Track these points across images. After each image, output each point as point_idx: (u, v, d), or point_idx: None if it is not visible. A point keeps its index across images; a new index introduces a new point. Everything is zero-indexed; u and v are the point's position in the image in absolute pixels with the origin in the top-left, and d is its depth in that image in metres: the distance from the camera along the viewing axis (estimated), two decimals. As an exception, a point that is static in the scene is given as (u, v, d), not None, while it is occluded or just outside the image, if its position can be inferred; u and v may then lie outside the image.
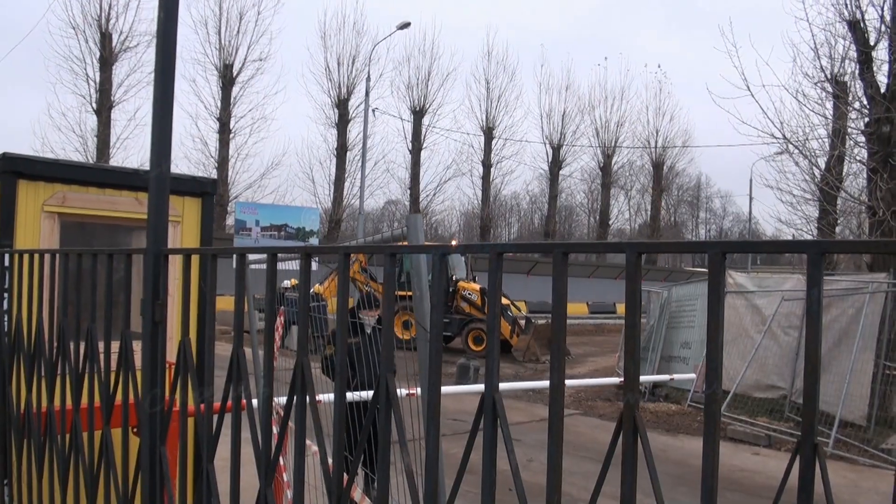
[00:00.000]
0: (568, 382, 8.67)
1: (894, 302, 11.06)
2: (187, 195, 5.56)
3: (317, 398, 2.47)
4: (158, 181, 3.10)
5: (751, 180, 48.93)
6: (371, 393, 2.26)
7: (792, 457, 1.42)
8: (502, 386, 1.99)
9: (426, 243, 3.33)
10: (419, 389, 2.85)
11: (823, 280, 1.54)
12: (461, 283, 23.82)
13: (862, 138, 14.29)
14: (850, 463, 9.58)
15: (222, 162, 40.44)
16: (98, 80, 37.96)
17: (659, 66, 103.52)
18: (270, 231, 32.64)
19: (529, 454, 8.22)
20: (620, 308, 29.15)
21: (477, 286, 23.81)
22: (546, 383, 1.91)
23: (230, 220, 38.32)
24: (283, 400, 2.61)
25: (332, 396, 2.49)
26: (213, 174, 38.21)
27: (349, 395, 3.53)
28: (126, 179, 5.30)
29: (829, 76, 14.71)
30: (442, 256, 1.98)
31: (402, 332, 18.35)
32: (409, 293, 12.72)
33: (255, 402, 2.71)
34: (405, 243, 3.23)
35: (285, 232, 33.08)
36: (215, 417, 2.81)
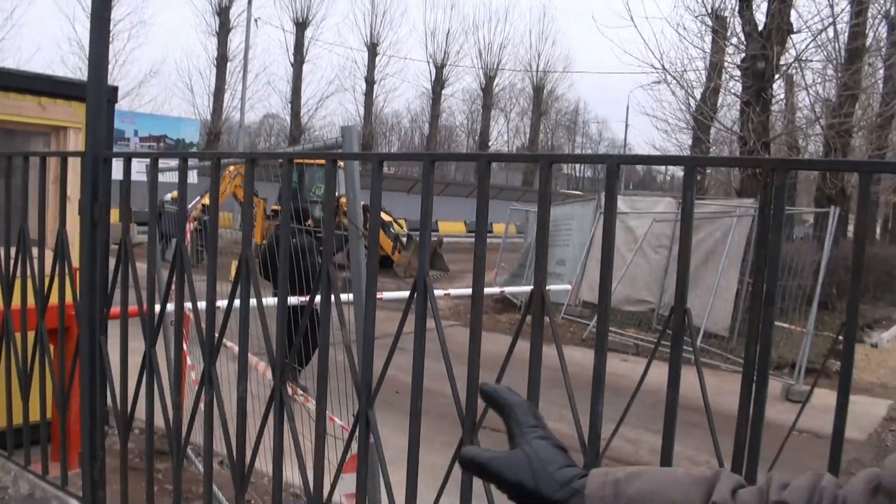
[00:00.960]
0: (453, 292, 9.08)
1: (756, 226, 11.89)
2: (89, 101, 5.50)
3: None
4: (97, 86, 3.19)
5: (627, 108, 50.41)
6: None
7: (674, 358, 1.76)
8: (392, 295, 2.30)
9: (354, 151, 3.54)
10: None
11: (695, 196, 1.90)
12: (343, 199, 23.79)
13: (737, 72, 15.04)
14: (713, 369, 10.39)
15: (99, 67, 38.65)
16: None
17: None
18: (149, 142, 31.68)
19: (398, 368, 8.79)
20: (497, 227, 29.74)
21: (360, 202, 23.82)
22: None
23: (107, 129, 36.82)
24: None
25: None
26: (90, 79, 36.60)
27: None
28: (30, 84, 5.23)
29: (709, 10, 15.33)
30: (379, 164, 2.24)
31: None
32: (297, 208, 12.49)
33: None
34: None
35: (165, 143, 32.20)
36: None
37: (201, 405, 2.85)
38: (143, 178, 3.06)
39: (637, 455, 7.16)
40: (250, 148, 41.21)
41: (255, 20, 36.01)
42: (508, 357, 2.26)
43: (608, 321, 2.12)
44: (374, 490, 2.96)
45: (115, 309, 3.28)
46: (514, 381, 1.34)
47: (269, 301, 2.78)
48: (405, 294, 2.38)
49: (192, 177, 15.66)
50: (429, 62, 51.64)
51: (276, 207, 21.09)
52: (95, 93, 3.19)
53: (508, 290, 13.78)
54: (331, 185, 2.53)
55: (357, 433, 2.44)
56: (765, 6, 14.45)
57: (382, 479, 2.40)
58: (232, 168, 15.55)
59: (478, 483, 1.43)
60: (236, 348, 2.83)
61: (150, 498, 3.13)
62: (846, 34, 15.22)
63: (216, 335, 2.83)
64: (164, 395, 3.00)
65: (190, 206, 8.12)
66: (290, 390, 2.96)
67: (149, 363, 3.01)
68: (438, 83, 51.92)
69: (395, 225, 24.10)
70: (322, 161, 2.61)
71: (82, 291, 3.22)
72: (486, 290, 12.51)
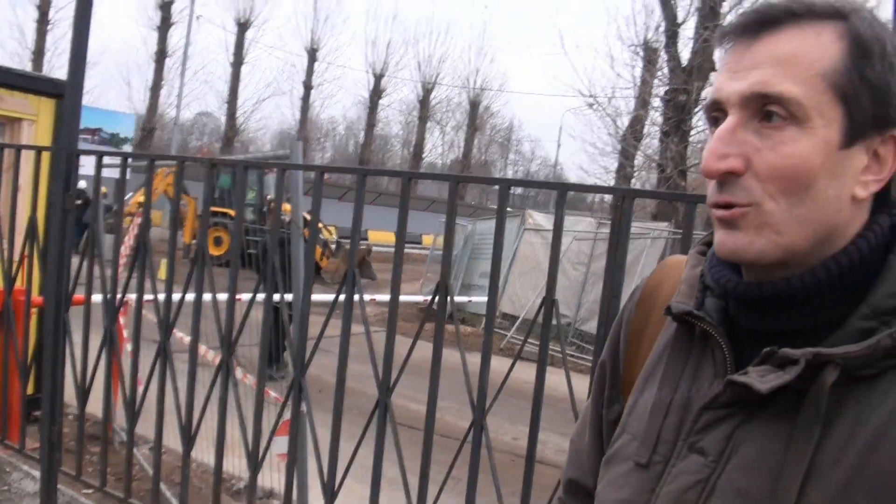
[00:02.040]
0: (378, 298, 9.56)
1: (672, 248, 12.60)
2: (44, 95, 5.70)
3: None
4: (75, 87, 3.56)
5: (560, 129, 51.47)
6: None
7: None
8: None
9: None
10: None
11: (630, 217, 2.44)
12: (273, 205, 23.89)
13: (660, 104, 15.89)
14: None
15: (38, 54, 38.39)
16: None
17: (486, 7, 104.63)
18: (84, 135, 31.33)
19: (323, 361, 9.29)
20: (426, 239, 30.19)
21: (289, 206, 23.97)
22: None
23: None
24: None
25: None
26: (28, 67, 36.17)
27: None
28: (-9, 75, 5.47)
29: (641, 41, 16.18)
30: (363, 177, 2.71)
31: (213, 248, 18.57)
32: (226, 210, 13.18)
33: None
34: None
35: (99, 137, 31.92)
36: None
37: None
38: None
39: (542, 453, 7.69)
40: (182, 146, 40.95)
41: (198, 17, 36.02)
42: (407, 359, 2.75)
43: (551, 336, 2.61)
44: (302, 448, 3.42)
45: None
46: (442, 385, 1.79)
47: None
48: (331, 297, 2.88)
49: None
50: (368, 71, 51.92)
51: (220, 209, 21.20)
52: (73, 93, 3.56)
53: (413, 299, 14.28)
54: (280, 193, 3.00)
55: (291, 399, 2.91)
56: (691, 45, 15.28)
57: (311, 438, 2.87)
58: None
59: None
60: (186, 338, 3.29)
61: (104, 455, 3.54)
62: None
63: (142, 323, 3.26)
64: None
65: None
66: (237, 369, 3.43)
67: (109, 339, 3.43)
68: (376, 93, 52.16)
69: (324, 231, 24.38)
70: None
71: (50, 272, 3.60)
72: (411, 299, 12.92)
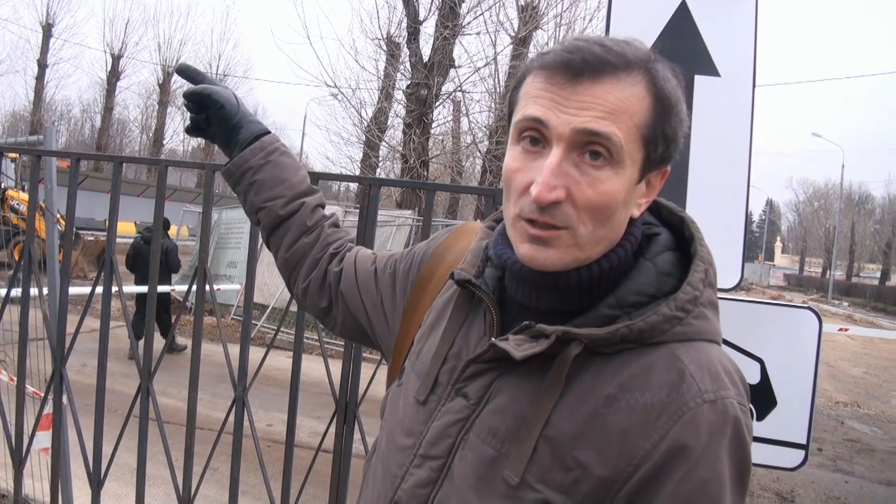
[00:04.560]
0: (126, 290, 9.31)
1: (417, 234, 13.13)
2: None
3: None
4: None
5: (304, 118, 51.36)
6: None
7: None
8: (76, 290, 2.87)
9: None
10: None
11: (377, 205, 2.67)
12: (10, 193, 22.30)
13: (403, 97, 16.38)
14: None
15: None
16: None
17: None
18: None
19: (83, 360, 8.97)
20: (172, 229, 29.14)
21: (26, 196, 22.54)
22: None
23: None
24: None
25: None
26: None
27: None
28: None
29: (384, 35, 16.59)
30: (120, 164, 2.75)
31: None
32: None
33: None
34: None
35: None
36: None
37: None
38: None
39: (298, 437, 7.85)
40: None
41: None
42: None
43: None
44: (66, 444, 3.40)
45: None
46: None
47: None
48: (87, 289, 2.91)
49: None
50: (105, 51, 49.21)
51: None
52: None
53: (179, 288, 13.93)
54: (34, 182, 2.98)
55: (52, 390, 2.92)
56: (432, 41, 15.88)
57: (75, 427, 2.90)
58: None
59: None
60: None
61: None
62: (506, 72, 16.96)
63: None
64: None
65: None
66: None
67: None
68: (114, 74, 49.52)
69: (60, 223, 22.99)
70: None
71: None
72: (164, 289, 12.54)
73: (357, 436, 2.78)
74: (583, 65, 1.07)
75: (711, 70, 2.53)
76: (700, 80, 2.49)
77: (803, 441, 2.56)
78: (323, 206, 1.74)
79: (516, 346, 1.10)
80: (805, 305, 2.64)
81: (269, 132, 1.73)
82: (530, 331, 1.12)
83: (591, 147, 1.07)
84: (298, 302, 1.78)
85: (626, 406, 1.07)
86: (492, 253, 1.25)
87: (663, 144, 1.12)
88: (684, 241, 1.22)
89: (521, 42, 16.19)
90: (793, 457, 2.58)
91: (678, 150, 1.15)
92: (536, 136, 1.10)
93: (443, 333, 1.29)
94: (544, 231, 1.09)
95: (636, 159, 1.10)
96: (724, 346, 1.19)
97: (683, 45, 2.49)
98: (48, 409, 2.98)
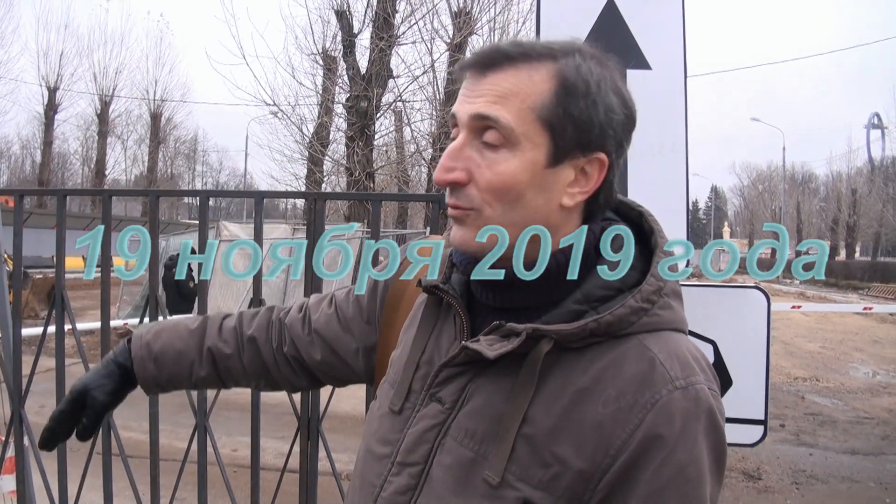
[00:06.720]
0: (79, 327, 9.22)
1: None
2: None
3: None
4: None
5: (247, 138, 50.93)
6: None
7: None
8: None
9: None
10: None
11: (324, 219, 2.67)
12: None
13: (343, 110, 16.36)
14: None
15: None
16: None
17: (161, 15, 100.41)
18: None
19: (41, 401, 8.81)
20: (117, 260, 28.78)
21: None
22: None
23: None
24: None
25: None
26: None
27: None
28: None
29: (319, 51, 16.54)
30: (64, 198, 2.73)
31: None
32: None
33: None
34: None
35: None
36: None
37: None
38: None
39: (263, 459, 7.77)
40: None
41: None
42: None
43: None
44: (30, 487, 3.35)
45: None
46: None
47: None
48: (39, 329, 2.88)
49: None
50: (41, 84, 48.25)
51: None
52: None
53: (131, 322, 13.77)
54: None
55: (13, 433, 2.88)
56: (368, 54, 15.87)
57: (38, 469, 2.86)
58: None
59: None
60: None
61: None
62: (444, 78, 17.03)
63: None
64: None
65: None
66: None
67: None
68: (51, 107, 48.56)
69: (8, 263, 22.57)
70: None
71: None
72: (114, 324, 12.41)
73: (322, 453, 2.78)
74: (488, 60, 1.13)
75: (643, 63, 2.58)
76: (633, 74, 2.53)
77: (761, 417, 2.61)
78: (225, 319, 1.67)
79: (488, 346, 1.12)
80: (752, 286, 2.70)
81: (124, 346, 1.64)
82: (501, 330, 1.13)
83: (486, 131, 1.12)
84: (314, 387, 1.86)
85: (599, 398, 1.09)
86: (455, 259, 1.27)
87: (573, 128, 1.13)
88: (644, 235, 1.25)
89: (457, 48, 16.25)
90: (752, 433, 2.63)
91: (609, 137, 1.16)
92: (454, 130, 1.17)
93: (414, 341, 1.30)
94: (456, 211, 1.15)
95: (538, 143, 1.12)
96: None
97: (613, 42, 2.53)
98: (10, 452, 2.94)
